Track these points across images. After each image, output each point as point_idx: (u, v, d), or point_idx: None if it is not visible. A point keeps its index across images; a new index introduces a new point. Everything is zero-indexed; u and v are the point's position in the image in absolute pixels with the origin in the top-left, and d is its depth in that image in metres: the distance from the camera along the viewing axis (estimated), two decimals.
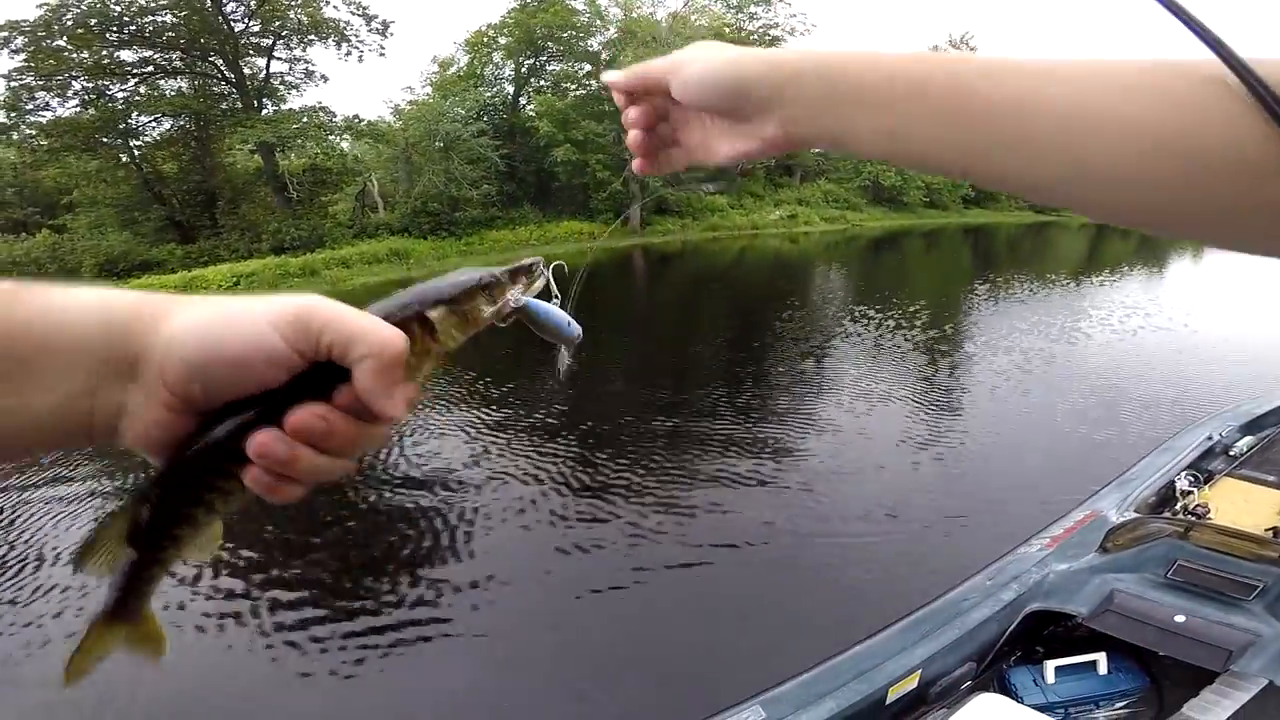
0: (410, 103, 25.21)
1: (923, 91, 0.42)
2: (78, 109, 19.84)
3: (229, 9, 20.91)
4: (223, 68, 21.77)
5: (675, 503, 5.76)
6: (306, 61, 22.97)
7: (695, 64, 0.50)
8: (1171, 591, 3.27)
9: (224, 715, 3.78)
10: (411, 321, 0.41)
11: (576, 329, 0.52)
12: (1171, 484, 4.52)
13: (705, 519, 5.54)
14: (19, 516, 5.87)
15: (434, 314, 0.42)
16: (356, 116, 23.08)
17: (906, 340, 10.88)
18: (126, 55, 20.33)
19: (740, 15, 30.38)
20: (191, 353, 0.37)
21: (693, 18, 27.56)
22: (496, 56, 27.66)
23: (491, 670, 4.04)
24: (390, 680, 3.95)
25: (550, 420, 7.69)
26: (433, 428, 7.52)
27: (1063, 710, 3.20)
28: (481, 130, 23.63)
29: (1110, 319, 12.44)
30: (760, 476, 6.26)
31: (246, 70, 22.10)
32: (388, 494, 6.09)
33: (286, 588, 4.74)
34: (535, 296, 0.49)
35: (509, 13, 26.35)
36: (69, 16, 18.65)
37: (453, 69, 27.79)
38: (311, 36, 22.33)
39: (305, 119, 21.94)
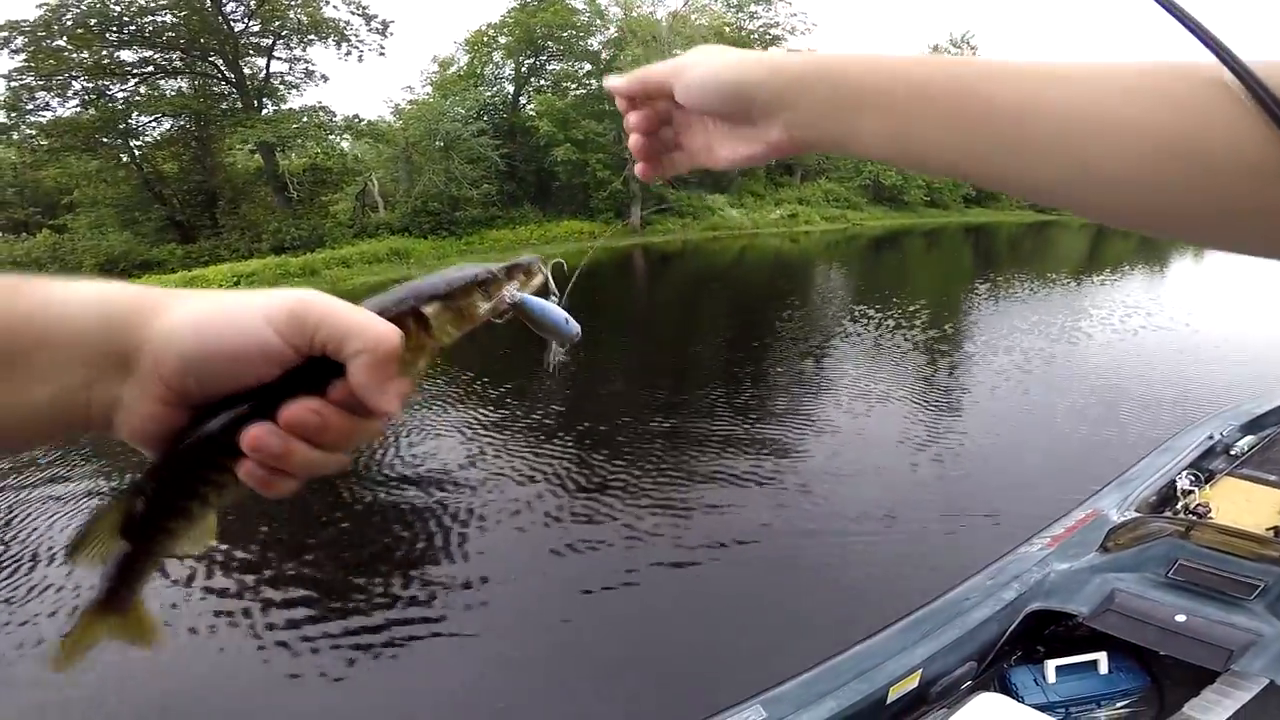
0: (410, 102, 25.28)
1: (924, 94, 0.42)
2: (78, 109, 19.88)
3: (229, 9, 20.93)
4: (223, 68, 21.79)
5: (675, 502, 5.76)
6: (306, 61, 23.03)
7: (698, 69, 0.50)
8: (1172, 591, 3.27)
9: (222, 715, 3.78)
10: (406, 317, 0.41)
11: (575, 327, 0.51)
12: (1172, 483, 4.52)
13: (705, 519, 5.54)
14: (15, 516, 5.87)
15: (429, 310, 0.42)
16: (356, 116, 23.13)
17: (906, 340, 10.87)
18: (126, 55, 20.39)
19: (740, 14, 30.40)
20: (187, 347, 0.37)
21: (693, 17, 27.57)
22: (496, 56, 27.69)
23: (490, 670, 4.03)
24: (389, 680, 3.95)
25: (548, 420, 7.69)
26: (431, 427, 7.52)
27: (1063, 710, 3.20)
28: (482, 130, 23.65)
29: (1111, 318, 12.44)
30: (760, 476, 6.26)
31: (246, 70, 22.12)
32: (386, 494, 6.09)
33: (284, 588, 4.74)
34: (534, 294, 0.49)
35: (509, 12, 26.39)
36: (69, 16, 18.67)
37: (453, 68, 27.81)
38: (311, 36, 22.35)
39: (305, 119, 21.96)
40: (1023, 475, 6.20)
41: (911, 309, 12.92)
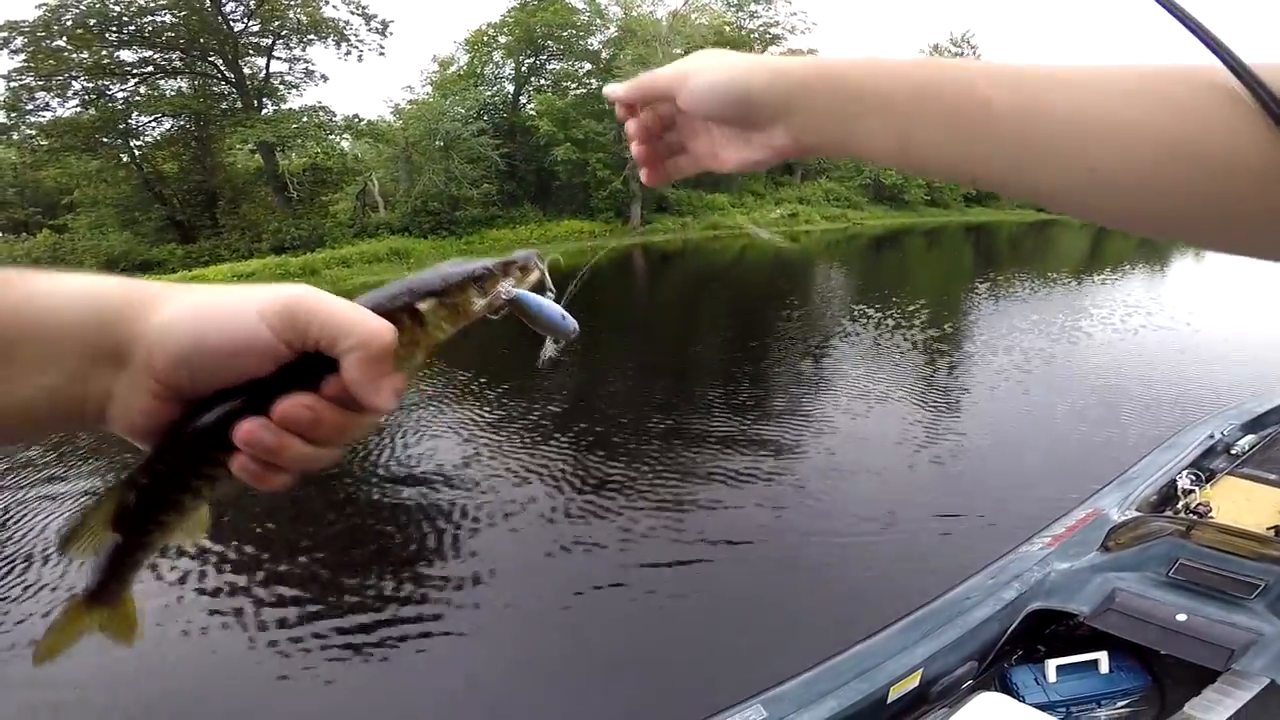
0: (410, 102, 25.30)
1: (925, 97, 0.42)
2: (78, 109, 19.91)
3: (228, 9, 20.95)
4: (222, 68, 21.81)
5: (673, 502, 5.75)
6: (306, 61, 23.07)
7: (702, 75, 0.50)
8: (1173, 590, 3.26)
9: (217, 715, 3.78)
10: (401, 313, 0.41)
11: (571, 323, 0.51)
12: (1173, 483, 4.51)
13: (705, 518, 5.53)
14: (10, 516, 5.87)
15: (424, 306, 0.42)
16: (356, 116, 23.17)
17: (906, 339, 10.87)
18: (126, 55, 20.43)
19: (740, 14, 30.41)
20: (180, 342, 0.37)
21: (693, 16, 27.56)
22: (496, 55, 27.70)
23: (490, 669, 4.03)
24: (386, 680, 3.95)
25: (546, 420, 7.69)
26: (429, 427, 7.52)
27: (1064, 709, 3.20)
28: (482, 129, 23.67)
29: (1111, 318, 12.43)
30: (760, 476, 6.25)
31: (246, 70, 22.14)
32: (383, 493, 6.09)
33: (279, 587, 4.73)
34: (531, 290, 0.49)
35: (509, 11, 26.40)
36: (69, 17, 18.69)
37: (453, 68, 27.83)
38: (311, 36, 22.38)
39: (305, 119, 21.99)
40: (1023, 475, 6.19)
41: (911, 308, 12.91)
